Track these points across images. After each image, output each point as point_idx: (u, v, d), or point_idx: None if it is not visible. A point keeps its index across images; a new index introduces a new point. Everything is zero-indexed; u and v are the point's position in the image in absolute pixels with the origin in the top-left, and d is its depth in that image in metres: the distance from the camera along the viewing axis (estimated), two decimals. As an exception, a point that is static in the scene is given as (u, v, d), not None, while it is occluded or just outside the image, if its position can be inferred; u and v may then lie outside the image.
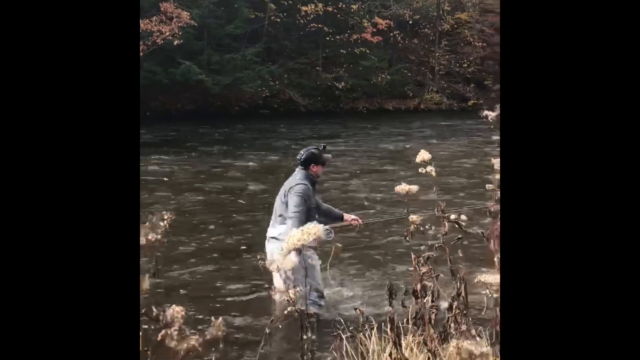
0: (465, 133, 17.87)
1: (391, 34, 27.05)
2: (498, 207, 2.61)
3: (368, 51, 26.37)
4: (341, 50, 26.25)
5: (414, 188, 2.90)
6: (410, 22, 27.63)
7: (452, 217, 3.29)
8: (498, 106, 2.99)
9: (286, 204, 4.39)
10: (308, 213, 4.37)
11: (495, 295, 1.82)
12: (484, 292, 1.98)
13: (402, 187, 2.86)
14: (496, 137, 2.79)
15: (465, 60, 28.43)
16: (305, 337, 1.50)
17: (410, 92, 27.60)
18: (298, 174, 4.55)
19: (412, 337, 2.87)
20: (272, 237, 4.44)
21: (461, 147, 14.73)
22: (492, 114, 2.81)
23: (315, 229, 1.57)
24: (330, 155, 4.76)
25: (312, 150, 4.59)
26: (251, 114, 23.30)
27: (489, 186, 2.53)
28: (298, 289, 4.44)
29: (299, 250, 4.18)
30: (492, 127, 2.85)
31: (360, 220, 4.89)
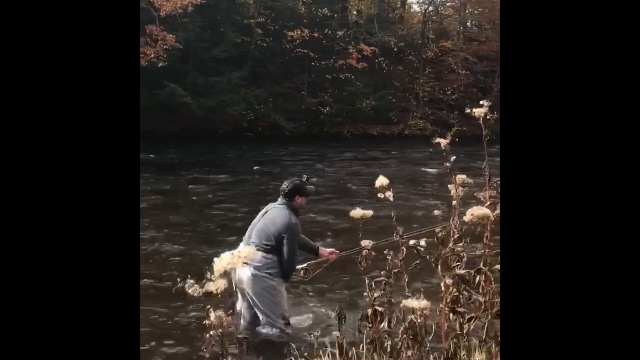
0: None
1: (376, 60, 27.38)
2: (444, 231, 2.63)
3: (353, 77, 26.64)
4: (326, 76, 26.49)
5: (369, 213, 2.90)
6: (395, 49, 28.03)
7: (412, 242, 3.31)
8: (450, 134, 3.04)
9: (275, 238, 4.35)
10: None
11: (419, 321, 1.81)
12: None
13: (356, 212, 2.87)
14: (447, 164, 2.81)
15: (449, 88, 28.79)
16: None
17: (394, 117, 27.84)
18: (284, 208, 4.47)
19: (367, 363, 2.84)
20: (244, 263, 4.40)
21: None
22: (444, 142, 2.86)
23: (245, 252, 1.56)
24: (313, 187, 4.73)
25: (296, 181, 4.54)
26: (235, 137, 23.33)
27: (437, 212, 2.56)
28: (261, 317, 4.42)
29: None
30: (444, 153, 2.90)
31: (336, 254, 4.77)
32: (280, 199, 4.52)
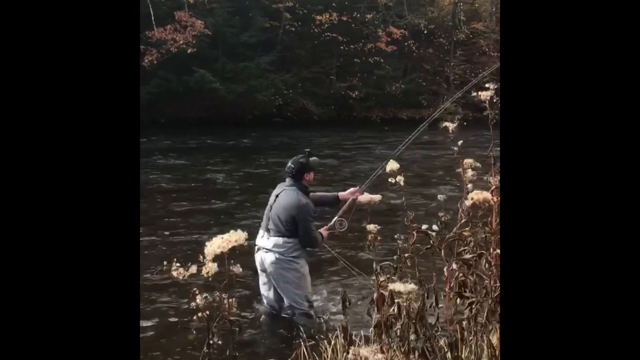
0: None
1: (406, 44, 27.02)
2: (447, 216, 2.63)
3: (382, 60, 26.37)
4: (355, 60, 26.28)
5: (377, 197, 2.91)
6: (425, 31, 27.58)
7: (423, 227, 3.31)
8: (458, 117, 3.01)
9: (289, 223, 4.38)
10: None
11: (406, 304, 1.81)
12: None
13: (365, 197, 2.88)
14: (455, 148, 2.79)
15: (480, 70, 28.22)
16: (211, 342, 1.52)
17: (424, 101, 27.48)
18: (293, 190, 4.45)
19: (373, 345, 2.87)
20: (265, 248, 4.44)
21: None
22: (452, 126, 2.84)
23: (235, 236, 1.60)
24: (317, 158, 4.68)
25: (301, 160, 4.51)
26: (264, 122, 23.44)
27: (440, 197, 2.55)
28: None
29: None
30: (451, 138, 2.88)
31: (360, 191, 4.40)
32: (288, 180, 4.49)
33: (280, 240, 4.36)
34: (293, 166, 4.48)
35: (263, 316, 4.58)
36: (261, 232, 4.50)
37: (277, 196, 4.50)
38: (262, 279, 4.56)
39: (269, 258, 4.39)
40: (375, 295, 2.66)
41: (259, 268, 4.50)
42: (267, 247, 4.40)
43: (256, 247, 4.48)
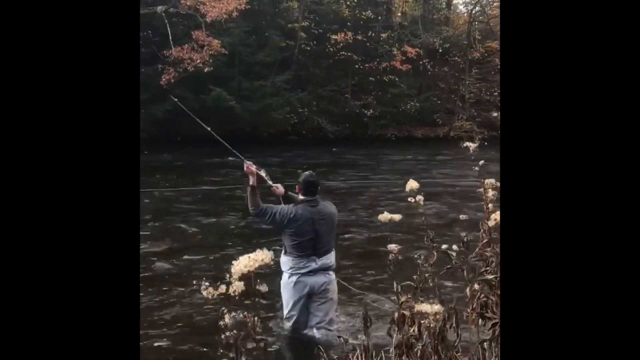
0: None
1: (421, 62, 27.14)
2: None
3: (397, 79, 26.49)
4: (370, 78, 26.43)
5: (397, 217, 2.92)
6: (440, 50, 27.68)
7: (443, 247, 3.30)
8: (478, 137, 3.01)
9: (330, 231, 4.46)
10: None
11: (432, 325, 1.81)
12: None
13: (384, 216, 2.89)
14: (476, 168, 2.80)
15: (496, 89, 28.20)
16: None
17: (439, 119, 27.50)
18: (323, 202, 4.53)
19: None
20: (322, 270, 4.42)
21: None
22: (472, 145, 2.85)
23: (262, 255, 1.62)
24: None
25: (314, 175, 4.56)
26: (280, 140, 23.58)
27: (462, 217, 2.54)
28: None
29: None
30: (472, 158, 2.89)
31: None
32: (312, 198, 4.46)
33: (332, 255, 4.44)
34: (314, 181, 4.50)
35: (289, 336, 4.55)
36: (303, 260, 4.35)
37: (315, 215, 4.39)
38: (301, 303, 4.44)
39: (324, 279, 4.38)
40: (396, 315, 2.65)
41: (301, 294, 4.38)
42: (326, 266, 4.38)
43: (296, 276, 4.38)
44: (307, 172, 4.57)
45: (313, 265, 4.36)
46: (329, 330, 4.41)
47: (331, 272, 4.43)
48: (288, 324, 4.54)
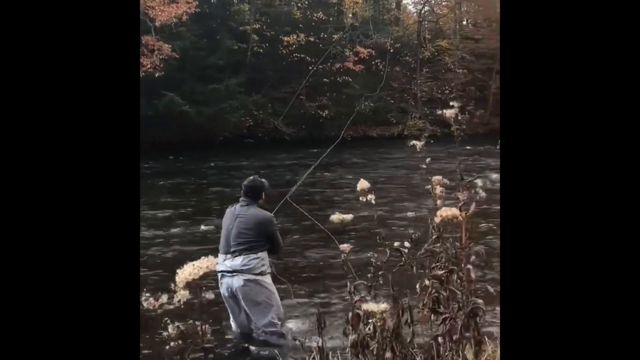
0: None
1: (373, 63, 27.42)
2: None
3: (351, 79, 26.69)
4: (324, 79, 26.54)
5: (348, 217, 2.93)
6: (392, 50, 28.05)
7: (395, 244, 3.33)
8: (425, 135, 3.07)
9: (258, 235, 4.39)
10: None
11: (380, 323, 1.83)
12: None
13: (337, 217, 2.89)
14: (423, 165, 2.83)
15: (446, 87, 28.81)
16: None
17: (393, 119, 27.87)
18: (254, 207, 4.51)
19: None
20: (232, 271, 4.40)
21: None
22: (419, 144, 2.89)
23: (207, 263, 1.59)
24: (266, 181, 4.78)
25: (258, 181, 4.60)
26: (236, 143, 23.39)
27: (410, 214, 2.57)
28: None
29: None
30: (420, 155, 2.92)
31: None
32: (245, 200, 4.53)
33: (247, 258, 4.34)
34: (252, 186, 4.55)
35: (236, 341, 4.52)
36: (222, 257, 4.42)
37: (237, 216, 4.49)
38: (231, 304, 4.50)
39: (237, 282, 4.34)
40: (350, 314, 2.66)
41: (225, 294, 4.43)
42: (235, 268, 4.35)
43: (219, 275, 4.42)
44: (250, 177, 4.64)
45: (227, 265, 4.37)
46: (270, 333, 4.38)
47: (252, 276, 4.34)
48: (232, 329, 4.56)
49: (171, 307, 1.60)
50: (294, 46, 25.61)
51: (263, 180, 4.66)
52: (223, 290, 4.41)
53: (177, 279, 1.56)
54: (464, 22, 33.22)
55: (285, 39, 25.59)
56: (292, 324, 4.73)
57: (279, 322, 4.41)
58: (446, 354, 2.72)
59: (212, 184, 13.81)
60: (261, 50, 25.67)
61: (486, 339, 3.07)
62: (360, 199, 3.26)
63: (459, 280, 2.48)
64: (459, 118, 2.52)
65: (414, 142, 2.74)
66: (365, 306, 1.88)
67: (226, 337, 4.58)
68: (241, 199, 4.58)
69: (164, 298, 1.52)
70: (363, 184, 3.28)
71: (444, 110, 2.56)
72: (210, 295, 1.65)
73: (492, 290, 2.85)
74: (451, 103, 2.58)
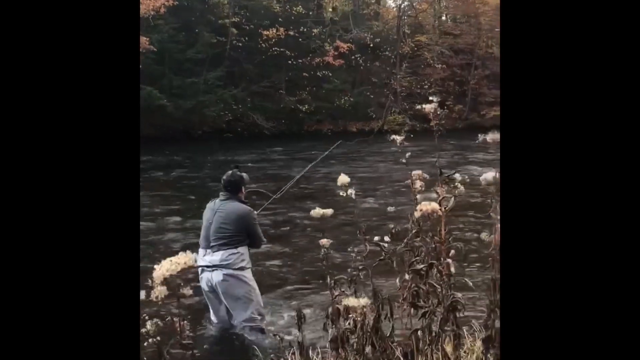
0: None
1: (353, 57, 27.43)
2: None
3: (330, 74, 26.67)
4: (304, 74, 26.48)
5: (329, 212, 2.92)
6: (371, 45, 28.09)
7: (375, 239, 3.34)
8: (405, 129, 3.07)
9: (238, 230, 4.36)
10: None
11: (360, 318, 1.83)
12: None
13: (317, 211, 2.88)
14: (403, 160, 2.83)
15: (426, 82, 28.96)
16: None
17: (373, 113, 27.93)
18: (233, 201, 4.48)
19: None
20: (212, 266, 4.37)
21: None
22: (399, 138, 2.89)
23: (185, 259, 1.57)
24: (246, 174, 4.75)
25: (237, 175, 4.57)
26: (215, 138, 23.21)
27: (390, 208, 2.59)
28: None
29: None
30: (400, 150, 2.92)
31: None
32: (224, 194, 4.51)
33: (226, 253, 4.32)
34: (232, 180, 4.51)
35: (216, 337, 4.50)
36: (202, 251, 4.42)
37: (216, 211, 4.46)
38: (211, 299, 4.48)
39: (217, 277, 4.32)
40: (330, 309, 2.66)
41: (205, 289, 4.42)
42: (214, 263, 4.33)
43: (199, 269, 4.40)
44: (229, 171, 4.61)
45: (207, 259, 4.35)
46: (250, 329, 4.37)
47: (231, 271, 4.33)
48: (212, 324, 4.54)
49: (149, 303, 1.58)
50: (274, 40, 25.46)
51: (243, 174, 4.62)
52: (203, 284, 4.39)
53: (155, 275, 1.54)
54: (443, 18, 33.39)
55: (265, 32, 25.42)
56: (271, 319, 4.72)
57: (259, 317, 4.40)
58: (425, 347, 2.74)
59: (188, 178, 13.71)
60: (240, 44, 25.47)
61: (465, 332, 3.10)
62: (341, 193, 3.26)
63: (438, 274, 2.49)
64: (438, 113, 2.53)
65: (394, 136, 2.74)
66: (345, 301, 1.88)
67: (206, 332, 4.55)
68: (220, 193, 4.55)
69: (142, 294, 1.50)
70: (343, 178, 3.27)
71: (424, 105, 2.56)
72: (188, 292, 1.62)
73: (470, 284, 2.87)
74: (430, 98, 2.59)
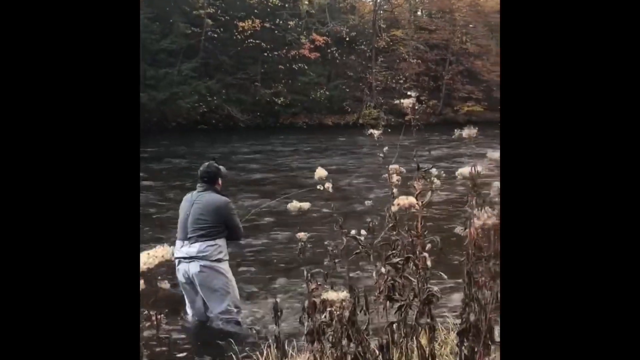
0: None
1: (329, 50, 27.41)
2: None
3: (306, 67, 26.61)
4: (279, 66, 26.37)
5: (306, 205, 2.92)
6: (347, 38, 28.11)
7: (352, 232, 3.35)
8: (382, 124, 3.08)
9: (216, 221, 4.34)
10: None
11: (339, 312, 1.83)
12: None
13: (293, 205, 2.88)
14: (380, 154, 2.85)
15: (401, 76, 29.12)
16: None
17: (349, 107, 27.99)
18: (210, 192, 4.47)
19: (309, 353, 2.87)
20: (188, 258, 4.35)
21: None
22: (377, 132, 2.90)
23: (162, 252, 1.55)
24: (224, 167, 4.74)
25: (213, 166, 4.55)
26: (189, 129, 23.00)
27: (367, 202, 2.60)
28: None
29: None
30: (377, 144, 2.93)
31: None
32: (201, 186, 4.50)
33: (204, 244, 4.30)
34: (209, 171, 4.49)
35: (192, 329, 4.48)
36: (179, 243, 4.40)
37: (193, 202, 4.44)
38: (188, 291, 4.46)
39: (194, 268, 4.30)
40: (306, 302, 2.66)
41: (182, 281, 4.40)
42: (191, 254, 4.31)
43: (176, 261, 4.37)
44: (206, 163, 4.59)
45: (184, 251, 4.33)
46: (226, 321, 4.36)
47: (208, 262, 4.32)
48: (188, 315, 4.53)
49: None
50: (249, 32, 25.29)
51: (220, 166, 4.60)
52: (179, 276, 4.37)
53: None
54: (419, 13, 33.57)
55: (240, 24, 25.23)
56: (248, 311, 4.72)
57: (235, 310, 4.40)
58: (400, 340, 2.76)
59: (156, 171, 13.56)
60: (215, 35, 25.24)
61: (439, 325, 3.14)
62: (318, 187, 3.26)
63: (414, 268, 2.52)
64: (417, 108, 2.54)
65: (372, 130, 2.74)
66: (325, 294, 1.88)
67: (183, 325, 4.52)
68: (198, 185, 4.54)
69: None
70: (320, 172, 3.27)
71: (402, 100, 2.57)
72: (166, 285, 1.61)
73: (445, 277, 2.91)
74: (409, 92, 2.60)
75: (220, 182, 4.57)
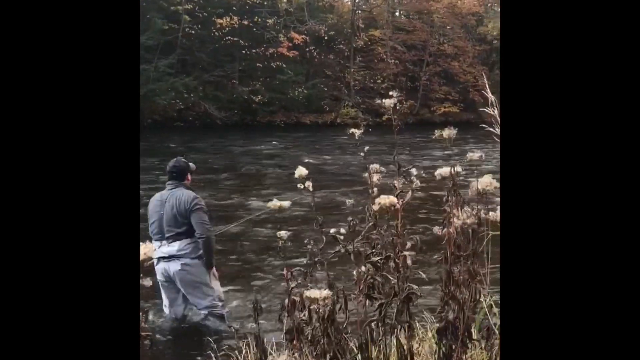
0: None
1: (307, 49, 27.40)
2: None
3: (284, 65, 26.55)
4: (257, 64, 26.26)
5: (286, 204, 2.92)
6: (326, 37, 28.13)
7: (332, 231, 3.36)
8: (363, 123, 3.09)
9: (188, 219, 4.30)
10: None
11: (321, 310, 1.84)
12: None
13: (274, 203, 2.88)
14: (361, 153, 2.87)
15: (379, 76, 29.26)
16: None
17: (326, 106, 28.02)
18: (181, 189, 4.42)
19: (288, 352, 2.88)
20: (168, 256, 4.31)
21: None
22: (357, 132, 2.92)
23: (145, 249, 1.54)
24: (193, 163, 4.71)
25: (182, 161, 4.52)
26: (165, 127, 22.76)
27: (348, 201, 2.62)
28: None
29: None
30: (357, 143, 2.96)
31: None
32: (170, 184, 4.45)
33: (183, 243, 4.29)
34: (177, 166, 4.46)
35: (169, 328, 4.45)
36: (157, 244, 4.33)
37: (164, 200, 4.39)
38: (167, 289, 4.43)
39: (174, 266, 4.28)
40: (286, 301, 2.67)
41: (161, 279, 4.37)
42: (172, 253, 4.28)
43: (155, 260, 4.32)
44: (174, 158, 4.56)
45: (163, 250, 4.30)
46: (210, 315, 4.35)
47: (189, 260, 4.31)
48: (165, 315, 4.51)
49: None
50: (227, 29, 25.11)
51: (189, 162, 4.58)
52: (158, 275, 4.34)
53: (114, 266, 1.50)
54: (397, 14, 33.77)
55: (218, 21, 25.05)
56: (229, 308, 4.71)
57: (220, 304, 4.39)
58: (379, 338, 2.79)
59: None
60: (193, 32, 25.00)
61: (417, 323, 3.18)
62: (298, 185, 3.26)
63: (394, 266, 2.54)
64: (398, 108, 2.57)
65: (353, 130, 2.76)
66: (307, 293, 1.89)
67: (162, 323, 4.50)
68: (167, 183, 4.49)
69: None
70: (301, 170, 3.28)
71: (384, 100, 2.59)
72: (147, 282, 1.60)
73: (424, 276, 2.94)
74: (390, 92, 2.62)
75: (189, 177, 4.53)
